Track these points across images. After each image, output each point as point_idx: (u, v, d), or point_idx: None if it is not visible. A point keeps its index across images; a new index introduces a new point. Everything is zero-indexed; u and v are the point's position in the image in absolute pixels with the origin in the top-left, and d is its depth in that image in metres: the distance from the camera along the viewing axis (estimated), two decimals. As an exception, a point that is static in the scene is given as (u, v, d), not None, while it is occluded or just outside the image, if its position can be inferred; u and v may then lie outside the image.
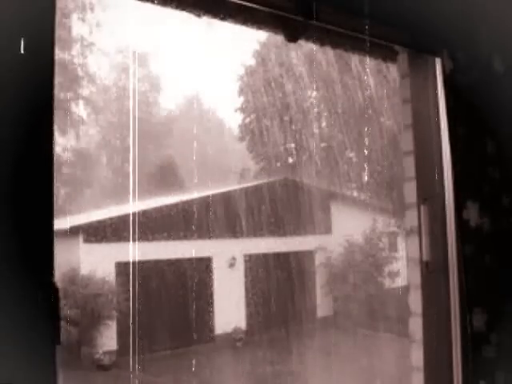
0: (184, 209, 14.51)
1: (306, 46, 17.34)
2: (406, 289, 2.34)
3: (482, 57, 2.41)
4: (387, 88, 16.07)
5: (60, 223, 11.97)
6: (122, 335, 12.46)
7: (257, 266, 15.42)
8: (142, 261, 13.25)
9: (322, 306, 16.19)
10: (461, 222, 2.18)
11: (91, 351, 11.63)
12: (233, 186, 18.18)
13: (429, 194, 2.27)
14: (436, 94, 2.27)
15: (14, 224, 1.17)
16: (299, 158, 21.87)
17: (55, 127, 1.28)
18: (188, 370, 11.75)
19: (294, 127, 21.69)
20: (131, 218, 13.55)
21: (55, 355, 1.18)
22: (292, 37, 2.05)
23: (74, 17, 22.42)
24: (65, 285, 10.76)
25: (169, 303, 13.42)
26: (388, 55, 2.45)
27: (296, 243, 16.08)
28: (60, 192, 20.66)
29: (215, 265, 14.87)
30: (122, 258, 12.97)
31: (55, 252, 1.21)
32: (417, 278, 2.25)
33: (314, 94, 21.52)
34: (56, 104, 1.28)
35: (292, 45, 16.08)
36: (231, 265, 15.09)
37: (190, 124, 33.71)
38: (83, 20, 23.22)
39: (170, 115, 31.55)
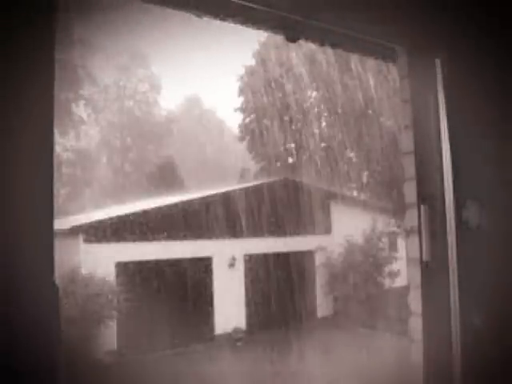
0: (184, 209, 14.52)
1: (306, 46, 17.35)
2: (406, 289, 2.34)
3: (481, 58, 2.42)
4: (387, 88, 16.07)
5: (60, 223, 11.97)
6: (122, 335, 12.46)
7: (257, 266, 15.42)
8: (142, 261, 13.27)
9: (322, 305, 16.20)
10: (461, 222, 2.18)
11: (91, 351, 11.63)
12: (233, 186, 18.18)
13: (429, 194, 2.27)
14: (436, 95, 2.27)
15: (14, 224, 1.17)
16: (299, 157, 21.88)
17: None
18: (188, 370, 11.75)
19: (294, 127, 21.70)
20: (131, 218, 13.58)
21: (55, 355, 1.18)
22: (292, 37, 2.05)
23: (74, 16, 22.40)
24: (65, 285, 10.76)
25: (169, 303, 13.42)
26: (388, 55, 2.45)
27: (296, 243, 16.08)
28: (60, 192, 20.66)
29: (215, 265, 14.87)
30: (122, 258, 12.98)
31: (55, 252, 1.21)
32: (417, 278, 2.25)
33: (314, 94, 21.53)
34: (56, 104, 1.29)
35: (292, 45, 16.09)
36: (231, 265, 15.09)
37: (190, 124, 33.69)
38: (83, 20, 23.21)
39: (170, 115, 31.53)
